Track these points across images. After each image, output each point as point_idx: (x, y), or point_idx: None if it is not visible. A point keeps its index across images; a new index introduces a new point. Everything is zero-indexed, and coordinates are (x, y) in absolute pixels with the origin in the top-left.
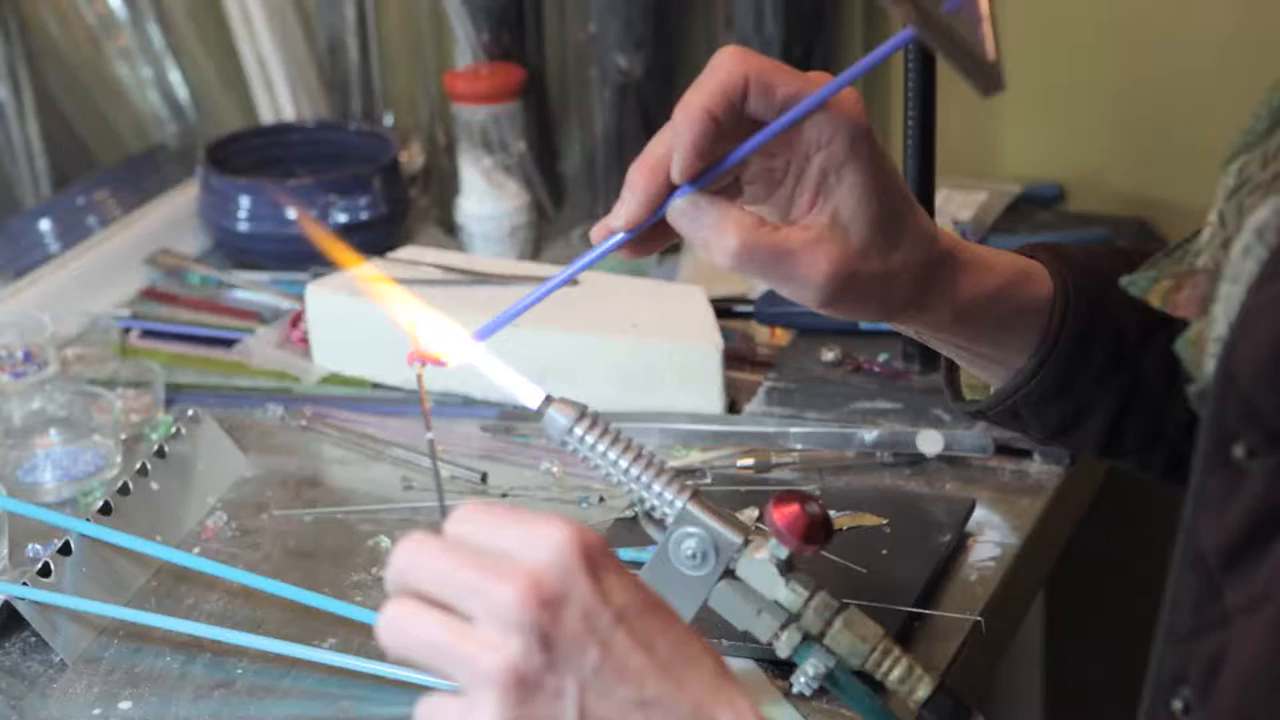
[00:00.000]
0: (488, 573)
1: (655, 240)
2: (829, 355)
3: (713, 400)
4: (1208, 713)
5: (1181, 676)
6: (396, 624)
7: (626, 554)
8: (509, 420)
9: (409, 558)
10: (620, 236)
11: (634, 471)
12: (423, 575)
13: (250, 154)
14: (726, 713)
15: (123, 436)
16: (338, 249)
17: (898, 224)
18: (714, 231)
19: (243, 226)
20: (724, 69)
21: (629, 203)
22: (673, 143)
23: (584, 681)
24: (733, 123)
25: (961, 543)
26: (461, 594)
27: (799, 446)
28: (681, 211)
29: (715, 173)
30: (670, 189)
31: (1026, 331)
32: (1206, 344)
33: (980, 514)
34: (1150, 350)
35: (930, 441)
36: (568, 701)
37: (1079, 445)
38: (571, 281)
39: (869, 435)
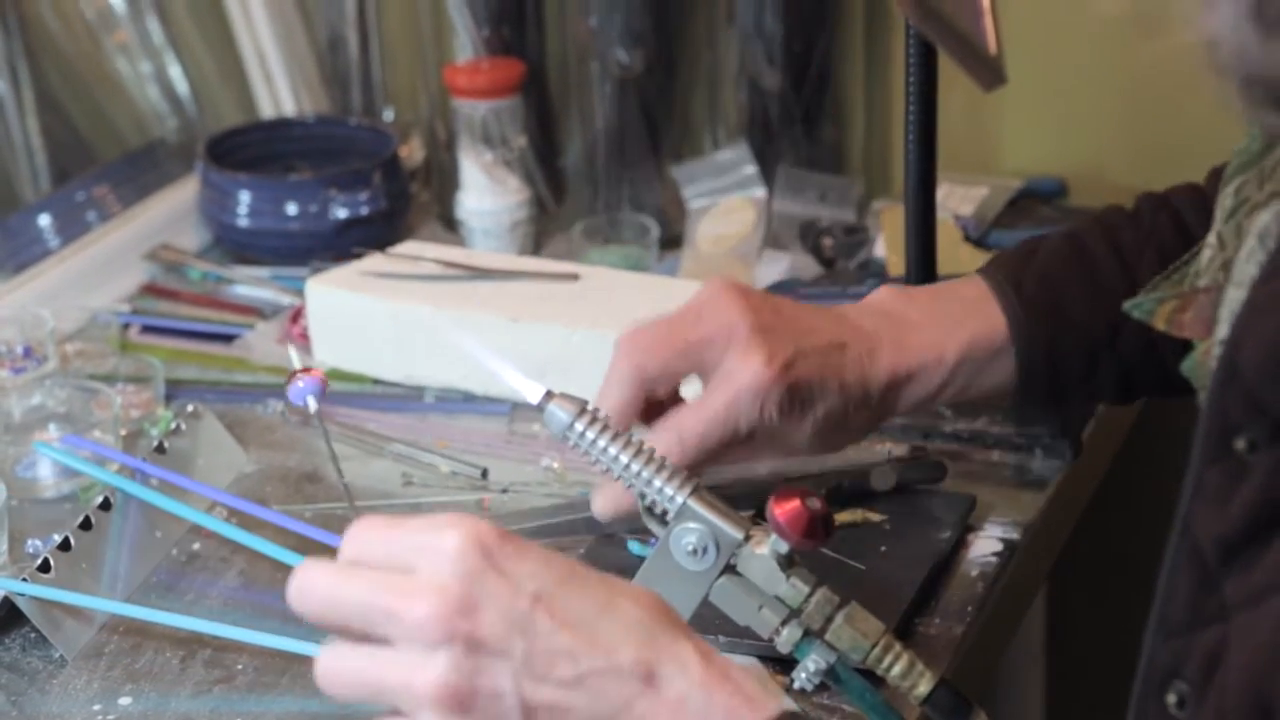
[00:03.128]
0: (394, 593)
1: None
2: None
3: None
4: (1210, 707)
5: (1176, 671)
6: (329, 670)
7: (634, 548)
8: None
9: (308, 587)
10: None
11: (635, 467)
12: (331, 606)
13: (250, 149)
14: (669, 664)
15: (123, 432)
16: None
17: (832, 426)
18: (684, 450)
19: (243, 222)
20: (622, 377)
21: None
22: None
23: (517, 675)
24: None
25: (962, 538)
26: (376, 620)
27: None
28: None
29: None
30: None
31: (994, 387)
32: (1211, 349)
33: (982, 509)
34: (1122, 335)
35: (882, 478)
36: (507, 698)
37: (1109, 401)
38: (572, 277)
39: (820, 465)
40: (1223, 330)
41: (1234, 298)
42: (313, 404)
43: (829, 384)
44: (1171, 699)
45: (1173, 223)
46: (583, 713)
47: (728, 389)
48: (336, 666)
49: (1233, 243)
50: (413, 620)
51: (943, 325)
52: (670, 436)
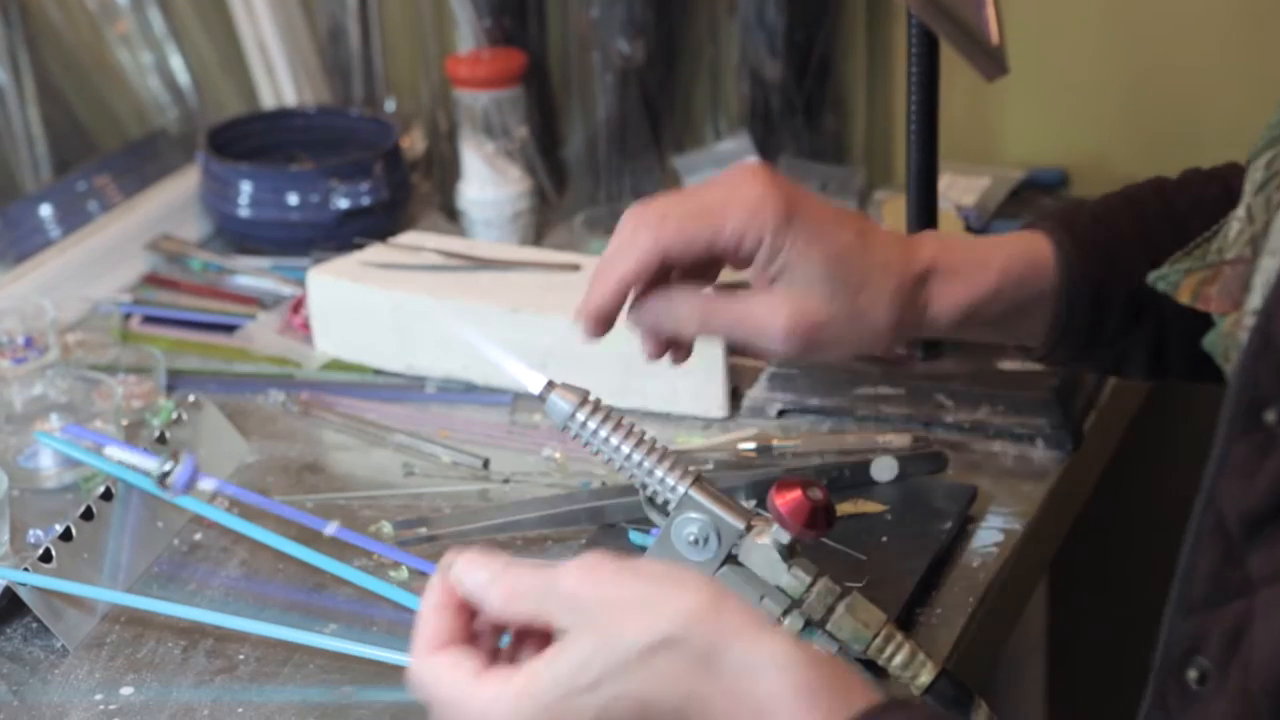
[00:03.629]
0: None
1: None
2: None
3: (715, 386)
4: (1233, 683)
5: (1196, 647)
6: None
7: (635, 538)
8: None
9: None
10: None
11: (636, 457)
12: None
13: (251, 139)
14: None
15: (124, 422)
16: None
17: (852, 268)
18: (672, 315)
19: (244, 212)
20: (635, 247)
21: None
22: (590, 296)
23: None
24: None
25: (964, 529)
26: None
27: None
28: (640, 313)
29: None
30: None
31: (1037, 316)
32: (1242, 320)
33: (983, 500)
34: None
35: (884, 468)
36: None
37: (1130, 378)
38: (574, 267)
39: (819, 460)
40: (1255, 300)
41: (1268, 267)
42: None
43: (837, 237)
44: (1192, 675)
45: (1224, 193)
46: None
47: (715, 215)
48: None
49: (1261, 216)
50: None
51: (987, 242)
52: (697, 315)
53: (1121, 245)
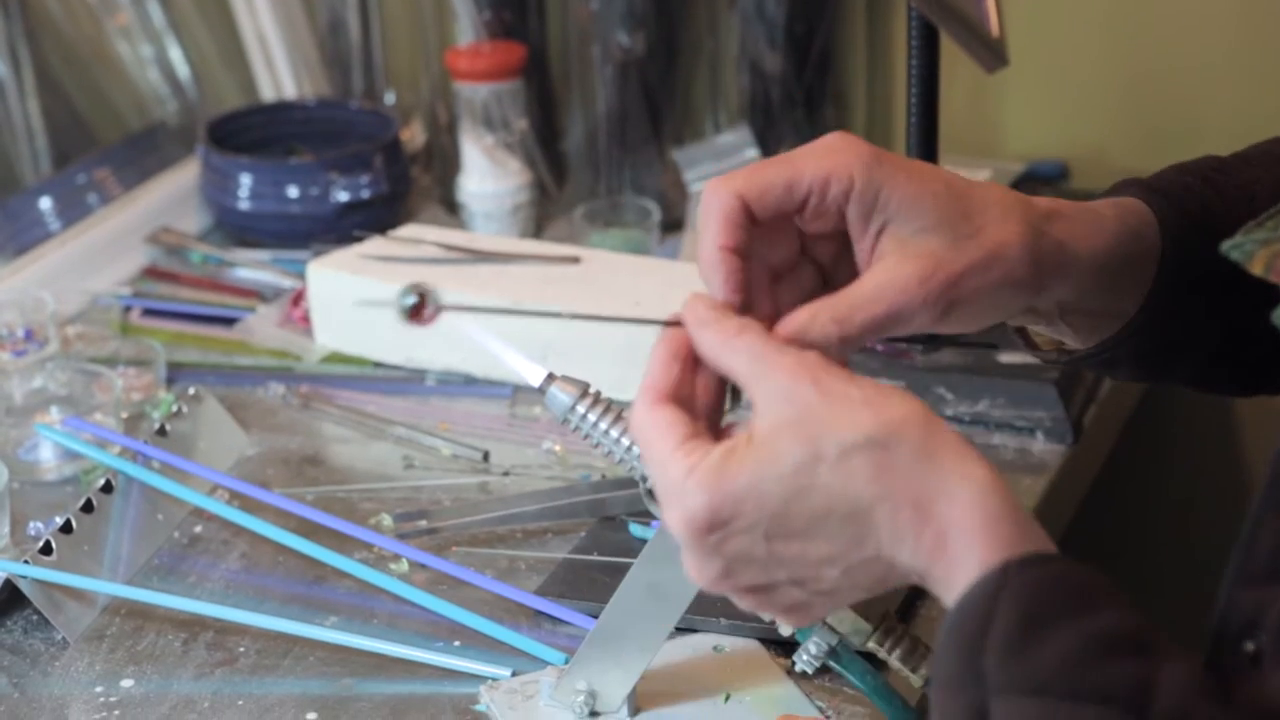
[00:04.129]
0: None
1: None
2: None
3: None
4: None
5: (1256, 620)
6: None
7: (635, 530)
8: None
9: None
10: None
11: (636, 450)
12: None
13: (251, 132)
14: (891, 540)
15: (124, 415)
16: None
17: (967, 205)
18: (811, 345)
19: (244, 205)
20: (714, 206)
21: None
22: (713, 292)
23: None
24: (755, 233)
25: None
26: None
27: None
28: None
29: None
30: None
31: (1136, 283)
32: None
33: None
34: (1244, 289)
35: None
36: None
37: (1168, 381)
38: (574, 260)
39: None
40: None
41: None
42: None
43: (934, 177)
44: (1249, 647)
45: None
46: (873, 580)
47: (798, 160)
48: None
49: None
50: (689, 574)
51: (1098, 205)
52: (831, 328)
53: (1206, 224)
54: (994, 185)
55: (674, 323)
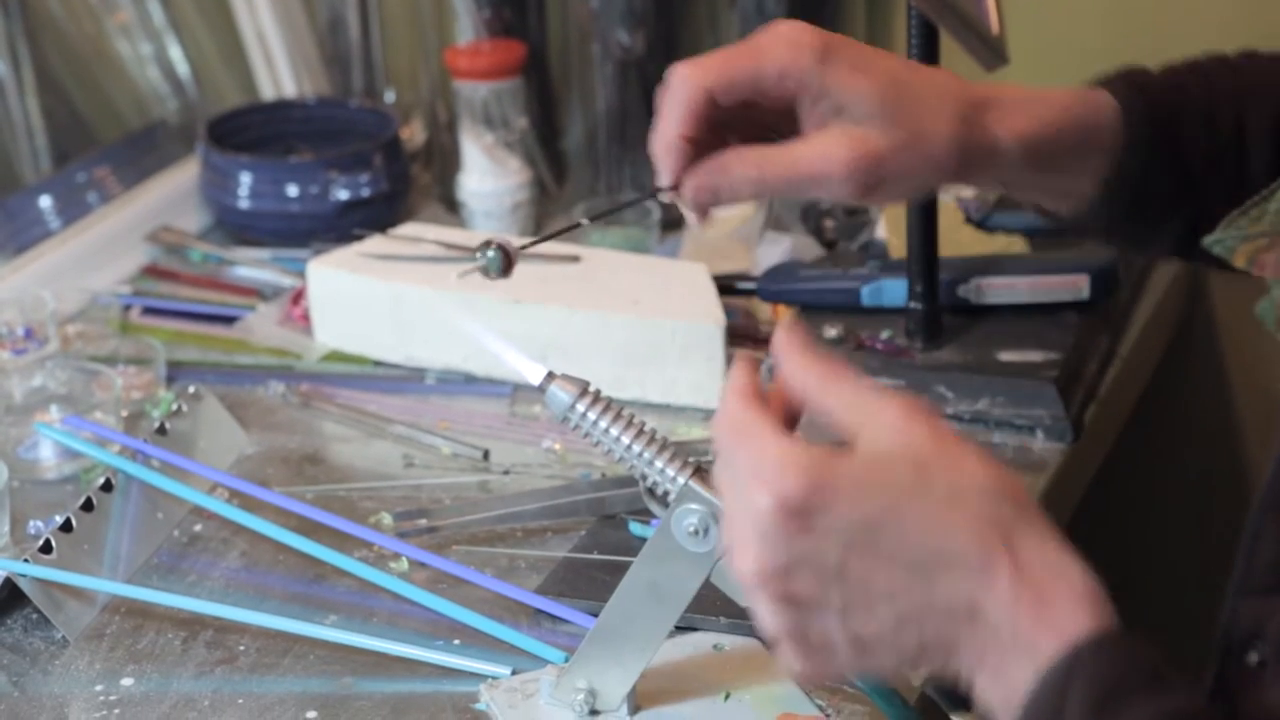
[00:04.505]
0: (728, 525)
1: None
2: (831, 332)
3: (714, 378)
4: None
5: (1257, 631)
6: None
7: (635, 529)
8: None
9: (731, 410)
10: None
11: (636, 448)
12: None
13: (251, 130)
14: (986, 595)
15: (124, 414)
16: None
17: (905, 92)
18: (728, 178)
19: (243, 203)
20: (682, 95)
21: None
22: (659, 170)
23: (840, 618)
24: (717, 120)
25: None
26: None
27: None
28: (696, 187)
29: None
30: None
31: (1088, 168)
32: None
33: None
34: (1216, 180)
35: None
36: (835, 637)
37: (1156, 254)
38: (574, 259)
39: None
40: None
41: None
42: None
43: (881, 64)
44: (1253, 658)
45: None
46: (911, 646)
47: (764, 50)
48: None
49: None
50: (737, 568)
51: (1050, 88)
52: (751, 170)
53: (1178, 115)
54: (938, 72)
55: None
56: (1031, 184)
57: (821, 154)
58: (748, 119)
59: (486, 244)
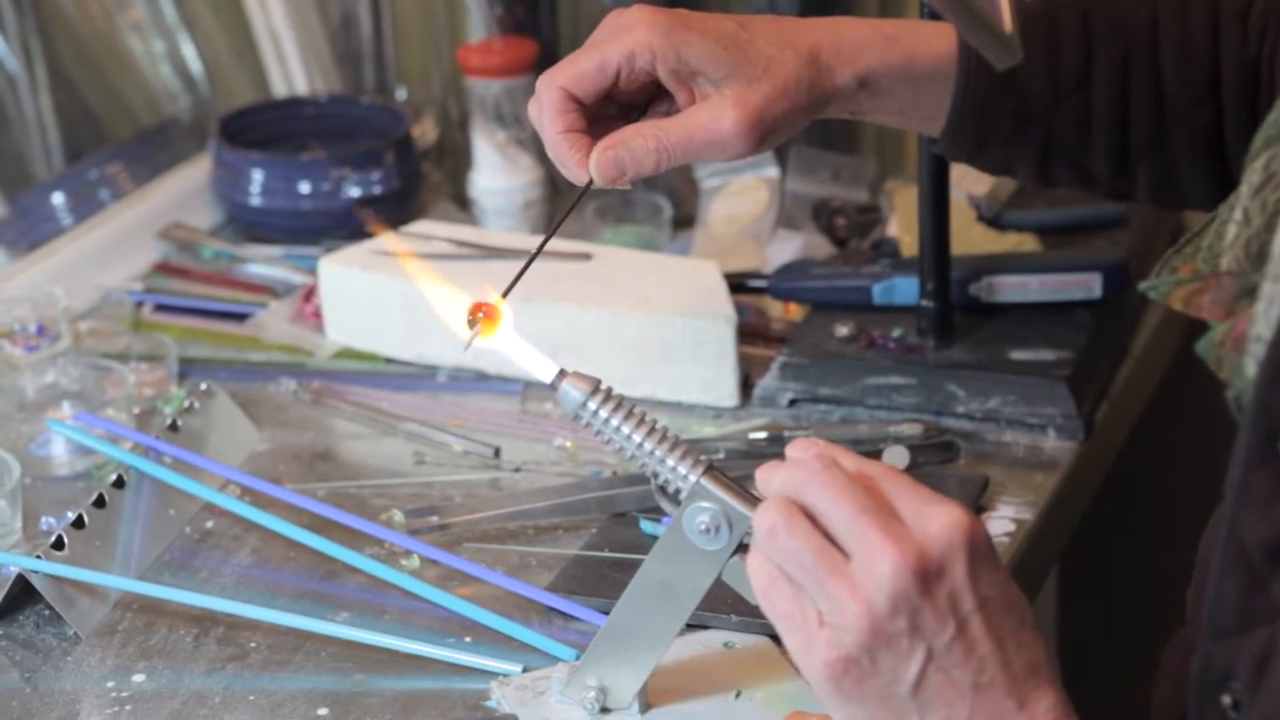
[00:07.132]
0: (878, 527)
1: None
2: (843, 331)
3: (726, 375)
4: (1259, 707)
5: (1229, 673)
6: (759, 576)
7: (646, 527)
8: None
9: (813, 474)
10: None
11: (647, 446)
12: (818, 495)
13: (263, 128)
14: (1040, 701)
15: (136, 410)
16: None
17: (750, 48)
18: (630, 150)
19: (255, 201)
20: (545, 101)
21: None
22: (569, 169)
23: (932, 652)
24: (601, 115)
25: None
26: (848, 533)
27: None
28: (601, 162)
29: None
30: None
31: (936, 105)
32: (1245, 344)
33: (994, 490)
34: (1061, 112)
35: (895, 458)
36: (912, 666)
37: (1022, 180)
38: (585, 256)
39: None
40: (1262, 328)
41: (1273, 292)
42: None
43: (718, 31)
44: (1226, 700)
45: (1151, 21)
46: (963, 714)
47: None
48: (765, 580)
49: (1258, 220)
50: (878, 557)
51: (897, 22)
52: (650, 142)
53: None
54: (766, 21)
55: None
56: (882, 112)
57: (712, 118)
58: (632, 104)
59: (475, 310)
